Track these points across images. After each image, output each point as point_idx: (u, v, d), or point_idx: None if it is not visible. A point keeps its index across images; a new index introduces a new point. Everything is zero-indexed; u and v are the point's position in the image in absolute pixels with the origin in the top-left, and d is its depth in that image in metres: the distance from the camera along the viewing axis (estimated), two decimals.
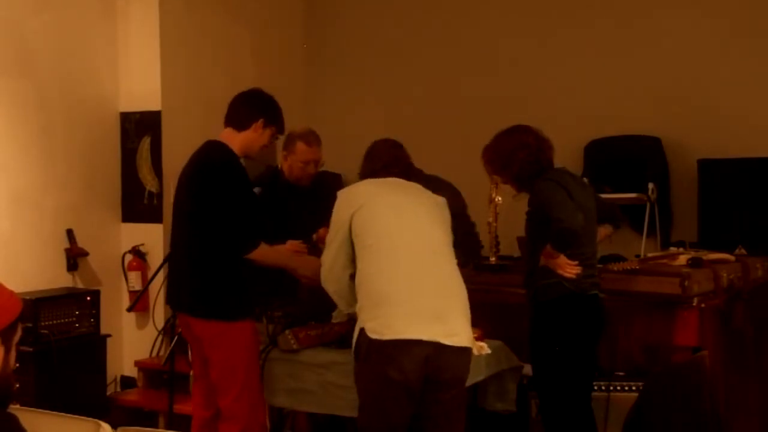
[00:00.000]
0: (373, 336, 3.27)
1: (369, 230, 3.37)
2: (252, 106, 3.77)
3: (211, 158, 3.71)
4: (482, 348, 3.43)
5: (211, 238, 3.61)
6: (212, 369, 3.67)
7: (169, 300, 3.84)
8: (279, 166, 4.47)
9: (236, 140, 3.73)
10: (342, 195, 3.54)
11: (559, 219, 3.51)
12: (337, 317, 3.72)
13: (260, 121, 3.73)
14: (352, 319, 3.59)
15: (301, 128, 4.34)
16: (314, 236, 4.12)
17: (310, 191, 4.39)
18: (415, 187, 3.62)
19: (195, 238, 3.66)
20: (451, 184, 4.31)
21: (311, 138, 4.34)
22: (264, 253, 3.66)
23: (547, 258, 3.61)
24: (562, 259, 3.58)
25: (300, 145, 4.28)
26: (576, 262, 3.60)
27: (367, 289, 3.36)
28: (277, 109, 3.82)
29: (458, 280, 3.42)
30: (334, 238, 3.47)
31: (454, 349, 3.29)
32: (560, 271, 3.60)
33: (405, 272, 3.32)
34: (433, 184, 3.78)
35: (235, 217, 3.61)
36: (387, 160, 3.63)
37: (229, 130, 3.77)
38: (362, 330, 3.33)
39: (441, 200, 3.60)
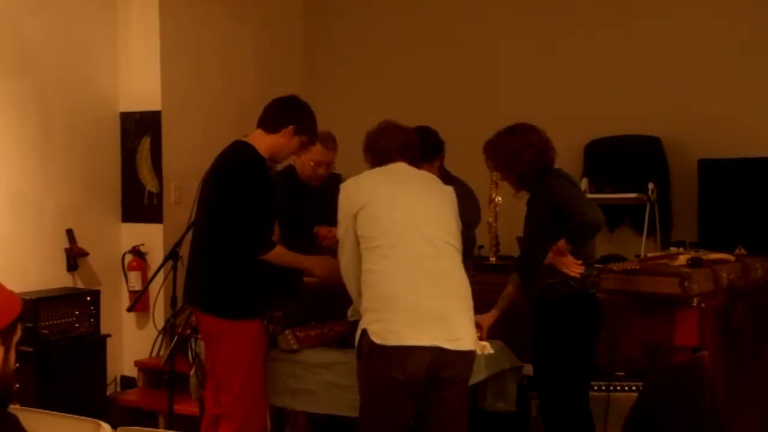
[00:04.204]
0: (377, 341, 3.26)
1: (372, 230, 3.36)
2: (286, 112, 3.77)
3: (235, 159, 3.73)
4: (485, 347, 3.43)
5: (227, 236, 3.64)
6: (216, 366, 3.71)
7: (184, 294, 3.86)
8: (292, 163, 4.47)
9: (264, 142, 3.73)
10: (345, 190, 3.50)
11: (582, 213, 3.50)
12: (353, 315, 3.72)
13: (291, 128, 3.73)
14: (356, 321, 3.60)
15: (320, 129, 4.32)
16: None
17: (320, 191, 4.40)
18: (421, 176, 3.57)
19: (212, 236, 3.69)
20: (473, 194, 4.28)
21: (329, 141, 4.36)
22: (279, 254, 3.68)
23: (557, 255, 3.59)
24: (569, 258, 3.57)
25: (316, 146, 4.26)
26: (581, 262, 3.60)
27: (371, 291, 3.35)
28: (310, 119, 3.82)
29: (462, 280, 3.41)
30: (345, 236, 3.45)
31: (457, 353, 3.29)
32: (566, 270, 3.59)
33: (408, 275, 3.30)
34: (456, 188, 3.75)
35: (252, 218, 3.63)
36: (401, 142, 3.56)
37: (259, 132, 3.77)
38: (365, 331, 3.32)
39: (448, 189, 3.57)
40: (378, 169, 3.54)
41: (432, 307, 3.29)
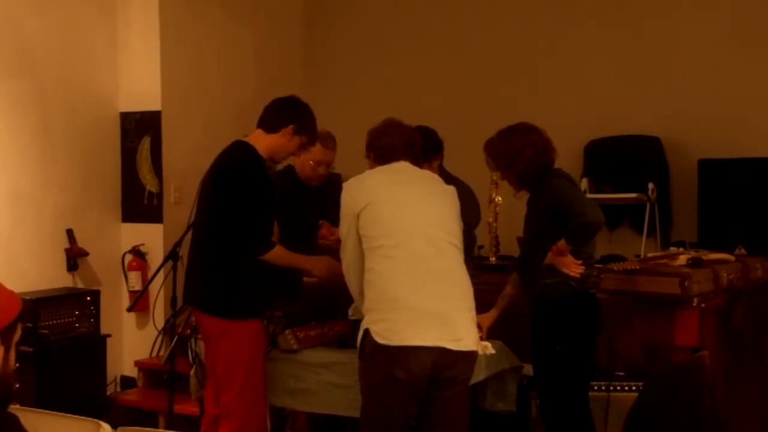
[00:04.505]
0: (380, 341, 3.26)
1: (375, 230, 3.35)
2: (285, 112, 3.77)
3: (234, 159, 3.73)
4: (486, 347, 3.44)
5: (227, 237, 3.64)
6: (216, 366, 3.71)
7: (184, 294, 3.86)
8: (291, 162, 4.48)
9: (264, 142, 3.73)
10: (348, 189, 3.48)
11: (582, 213, 3.50)
12: (354, 314, 3.72)
13: (290, 128, 3.74)
14: (356, 320, 3.60)
15: (319, 129, 4.33)
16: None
17: (319, 191, 4.41)
18: (424, 176, 3.57)
19: (211, 236, 3.70)
20: (473, 194, 4.28)
21: (328, 141, 4.36)
22: (279, 254, 3.69)
23: (557, 255, 3.59)
24: (569, 258, 3.57)
25: (316, 145, 4.26)
26: (581, 262, 3.60)
27: (373, 291, 3.34)
28: (309, 119, 3.82)
29: (465, 281, 3.41)
30: (347, 236, 3.44)
31: (459, 353, 3.29)
32: (566, 270, 3.58)
33: (411, 275, 3.30)
34: (456, 188, 3.74)
35: (252, 218, 3.63)
36: (406, 141, 3.55)
37: (259, 132, 3.77)
38: (367, 331, 3.32)
39: (451, 189, 3.57)
40: (381, 168, 3.53)
41: (434, 307, 3.29)
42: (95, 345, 5.38)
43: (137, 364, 5.90)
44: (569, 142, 5.41)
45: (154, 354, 5.68)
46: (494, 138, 3.84)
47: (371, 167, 3.58)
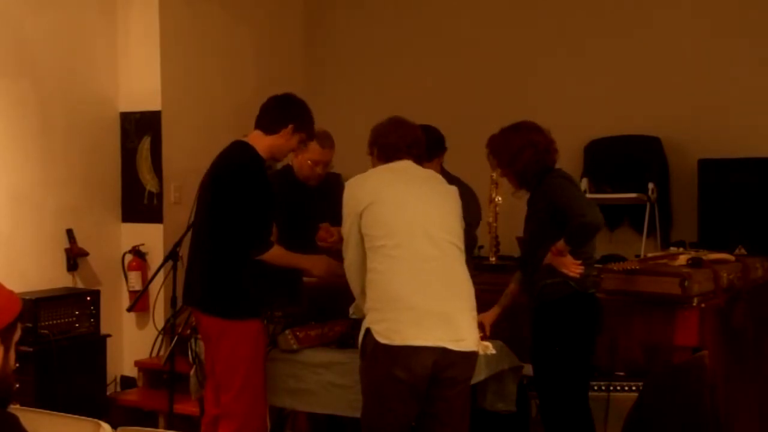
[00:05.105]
0: (382, 340, 3.26)
1: (377, 229, 3.34)
2: (283, 111, 3.77)
3: (234, 159, 3.74)
4: (487, 348, 3.44)
5: (225, 237, 3.65)
6: (216, 366, 3.71)
7: (184, 294, 3.86)
8: (290, 162, 4.48)
9: (263, 143, 3.74)
10: (350, 188, 3.47)
11: (582, 214, 3.50)
12: (355, 313, 3.73)
13: (290, 127, 3.74)
14: (356, 320, 3.60)
15: (317, 129, 4.34)
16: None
17: (317, 190, 4.41)
18: (427, 175, 3.56)
19: (211, 236, 3.70)
20: (474, 194, 4.27)
21: (326, 141, 4.35)
22: (277, 254, 3.69)
23: (556, 255, 3.59)
24: (568, 259, 3.57)
25: (313, 145, 4.24)
26: (580, 262, 3.60)
27: (375, 291, 3.34)
28: (307, 116, 3.82)
29: (466, 281, 3.41)
30: (349, 234, 3.44)
31: (460, 353, 3.29)
32: (565, 270, 3.58)
33: (413, 275, 3.30)
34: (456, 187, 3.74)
35: (250, 218, 3.63)
36: (410, 139, 3.54)
37: (257, 133, 3.77)
38: (368, 330, 3.32)
39: (453, 189, 3.57)
40: (384, 167, 3.53)
41: (436, 307, 3.29)
42: (95, 345, 5.39)
43: (137, 364, 5.90)
44: (569, 142, 5.39)
45: (154, 354, 5.69)
46: (497, 134, 3.84)
47: (374, 164, 3.58)
